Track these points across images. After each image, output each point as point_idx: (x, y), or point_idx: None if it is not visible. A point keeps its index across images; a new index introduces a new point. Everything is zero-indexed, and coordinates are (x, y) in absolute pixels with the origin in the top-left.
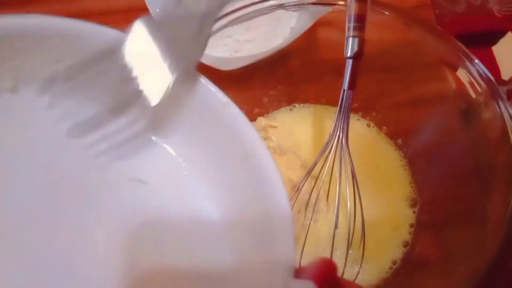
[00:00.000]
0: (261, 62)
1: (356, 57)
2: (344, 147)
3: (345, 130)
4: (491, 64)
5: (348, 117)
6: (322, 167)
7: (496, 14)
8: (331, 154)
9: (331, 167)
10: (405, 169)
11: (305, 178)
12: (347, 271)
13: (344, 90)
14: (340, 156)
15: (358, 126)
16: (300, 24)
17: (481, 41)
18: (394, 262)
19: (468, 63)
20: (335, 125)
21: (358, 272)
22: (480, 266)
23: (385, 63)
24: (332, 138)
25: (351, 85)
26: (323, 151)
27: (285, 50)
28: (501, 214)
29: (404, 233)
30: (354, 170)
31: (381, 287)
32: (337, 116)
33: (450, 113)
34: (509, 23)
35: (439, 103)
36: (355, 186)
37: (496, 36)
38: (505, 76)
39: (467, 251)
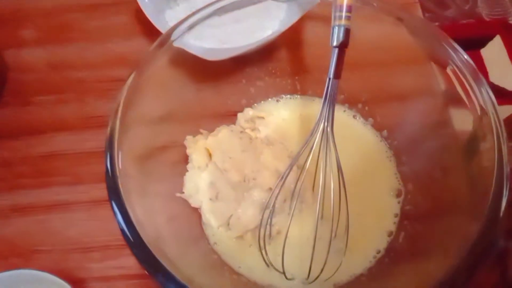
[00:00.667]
0: (249, 53)
1: (342, 46)
2: (330, 136)
3: (330, 119)
4: (480, 66)
5: (333, 106)
6: (307, 157)
7: (485, 18)
8: (315, 143)
9: (316, 157)
10: (390, 160)
11: (290, 167)
12: (330, 261)
13: (329, 79)
14: (326, 145)
15: (344, 117)
16: (289, 16)
17: (470, 44)
18: (378, 251)
19: (457, 60)
20: (321, 114)
21: (341, 262)
22: (461, 256)
23: (373, 57)
24: (317, 127)
25: (337, 74)
26: (309, 140)
27: (273, 42)
28: (483, 207)
29: (389, 223)
30: (339, 160)
31: (364, 275)
32: (323, 105)
33: (436, 108)
34: (497, 27)
35: (426, 98)
36: (340, 176)
37: (484, 39)
38: (493, 78)
39: (449, 241)
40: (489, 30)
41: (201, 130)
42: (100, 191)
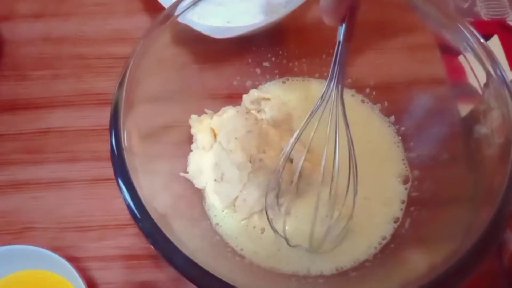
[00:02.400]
0: (256, 34)
1: (353, 5)
2: (339, 104)
3: (340, 84)
4: None
5: (343, 73)
6: (313, 131)
7: (483, 17)
8: (323, 114)
9: (323, 132)
10: (398, 146)
11: (295, 139)
12: (333, 237)
13: (339, 42)
14: (335, 115)
15: (352, 101)
16: None
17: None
18: (383, 238)
19: (474, 47)
20: (329, 80)
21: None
22: (466, 245)
23: (382, 42)
24: (325, 94)
25: (347, 36)
26: (315, 110)
27: (280, 24)
28: (490, 198)
29: (395, 209)
30: (349, 132)
31: (369, 261)
32: (331, 69)
33: (444, 95)
34: (495, 27)
35: (434, 86)
36: (351, 154)
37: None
38: None
39: (455, 229)
40: (487, 29)
41: (206, 110)
42: (98, 169)
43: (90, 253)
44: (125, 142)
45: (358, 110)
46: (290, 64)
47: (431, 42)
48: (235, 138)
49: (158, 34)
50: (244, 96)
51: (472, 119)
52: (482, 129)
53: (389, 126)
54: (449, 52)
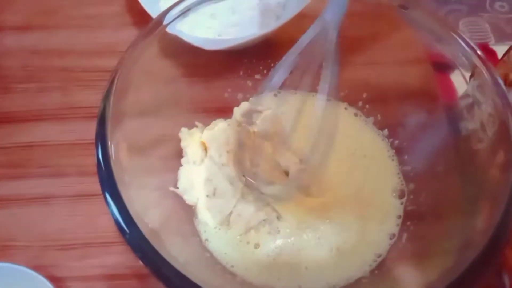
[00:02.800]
0: (247, 46)
1: None
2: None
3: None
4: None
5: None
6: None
7: None
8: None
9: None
10: (392, 160)
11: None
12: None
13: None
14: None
15: (346, 115)
16: (287, 11)
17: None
18: (378, 255)
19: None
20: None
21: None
22: (465, 260)
23: (374, 55)
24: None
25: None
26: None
27: (271, 37)
28: (490, 210)
29: (392, 225)
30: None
31: (366, 277)
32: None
33: (436, 109)
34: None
35: (426, 100)
36: None
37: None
38: None
39: (453, 244)
40: None
41: (197, 123)
42: (83, 185)
43: (73, 273)
44: (112, 154)
45: (351, 124)
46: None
47: (424, 57)
48: (227, 151)
49: (146, 44)
50: (235, 109)
51: (456, 116)
52: (469, 125)
53: (383, 140)
54: (442, 69)
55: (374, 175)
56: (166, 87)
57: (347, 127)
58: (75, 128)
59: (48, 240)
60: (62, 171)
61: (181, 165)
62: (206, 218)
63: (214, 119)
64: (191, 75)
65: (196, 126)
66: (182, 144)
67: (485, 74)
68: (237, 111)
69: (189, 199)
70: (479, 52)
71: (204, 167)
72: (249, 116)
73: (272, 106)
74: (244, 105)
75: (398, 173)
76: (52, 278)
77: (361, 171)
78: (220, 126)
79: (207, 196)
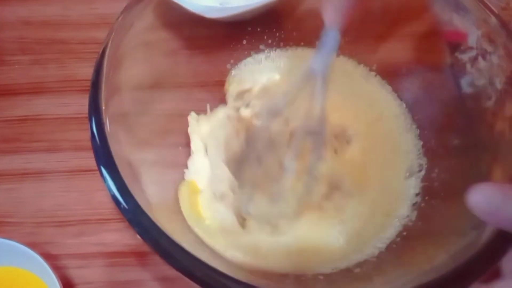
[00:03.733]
0: (251, 16)
1: None
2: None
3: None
4: None
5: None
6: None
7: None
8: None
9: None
10: (408, 131)
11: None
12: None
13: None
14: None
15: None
16: None
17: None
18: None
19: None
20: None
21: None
22: (478, 240)
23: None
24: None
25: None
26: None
27: (277, 5)
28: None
29: (403, 206)
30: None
31: (375, 257)
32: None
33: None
34: None
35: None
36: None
37: None
38: None
39: (465, 223)
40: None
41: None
42: (79, 160)
43: (69, 250)
44: (107, 127)
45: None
46: (287, 48)
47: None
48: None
49: (140, 10)
50: (227, 96)
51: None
52: (476, 81)
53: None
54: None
55: (391, 146)
56: (164, 59)
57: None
58: (71, 101)
59: (43, 216)
60: (57, 146)
61: (180, 146)
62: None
63: (213, 96)
64: (191, 47)
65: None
66: (189, 129)
67: (494, 21)
68: (229, 98)
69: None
70: None
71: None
72: (240, 98)
73: (258, 78)
74: (233, 89)
75: (415, 145)
76: (47, 256)
77: (378, 141)
78: (220, 117)
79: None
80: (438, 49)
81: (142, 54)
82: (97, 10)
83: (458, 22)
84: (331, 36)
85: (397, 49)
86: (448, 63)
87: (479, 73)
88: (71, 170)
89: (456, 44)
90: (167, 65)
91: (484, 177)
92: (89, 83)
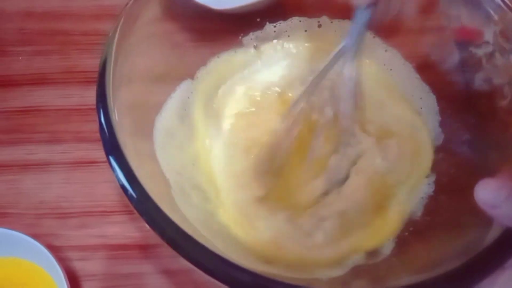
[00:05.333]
0: (259, 7)
1: None
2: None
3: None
4: None
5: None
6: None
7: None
8: None
9: None
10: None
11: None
12: None
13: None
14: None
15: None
16: None
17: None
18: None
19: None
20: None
21: None
22: (490, 235)
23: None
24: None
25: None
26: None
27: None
28: None
29: (415, 202)
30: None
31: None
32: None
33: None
34: None
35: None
36: None
37: None
38: None
39: (473, 220)
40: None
41: None
42: (81, 151)
43: (71, 242)
44: (116, 117)
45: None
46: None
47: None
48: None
49: (146, 2)
50: None
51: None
52: (496, 79)
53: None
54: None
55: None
56: (171, 51)
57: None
58: (73, 93)
59: (45, 208)
60: (59, 137)
61: None
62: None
63: None
64: (197, 39)
65: None
66: None
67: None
68: None
69: None
70: None
71: None
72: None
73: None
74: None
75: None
76: (49, 247)
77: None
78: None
79: None
80: (445, 45)
81: (148, 46)
82: (99, 1)
83: (467, 18)
84: (361, 14)
85: (403, 44)
86: (457, 59)
87: (496, 70)
88: (73, 162)
89: (465, 42)
90: (174, 57)
91: (492, 174)
92: (92, 75)
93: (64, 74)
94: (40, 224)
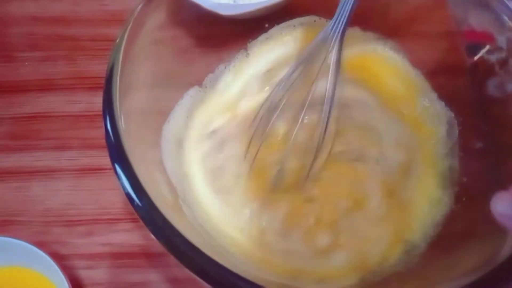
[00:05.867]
0: (266, 13)
1: None
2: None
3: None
4: None
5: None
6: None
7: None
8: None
9: None
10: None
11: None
12: None
13: None
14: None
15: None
16: None
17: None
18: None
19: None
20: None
21: None
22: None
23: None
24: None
25: None
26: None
27: (293, 2)
28: None
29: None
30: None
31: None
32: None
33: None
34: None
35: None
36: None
37: None
38: None
39: (489, 229)
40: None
41: None
42: (89, 158)
43: (77, 250)
44: (122, 124)
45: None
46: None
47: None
48: None
49: (153, 8)
50: None
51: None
52: (509, 86)
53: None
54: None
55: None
56: (176, 58)
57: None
58: (81, 99)
59: (52, 215)
60: (67, 143)
61: None
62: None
63: None
64: (204, 45)
65: None
66: None
67: None
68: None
69: None
70: None
71: None
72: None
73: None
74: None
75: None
76: (56, 255)
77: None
78: None
79: None
80: (455, 50)
81: (156, 52)
82: (107, 6)
83: (476, 20)
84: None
85: (412, 50)
86: (467, 64)
87: (509, 77)
88: (80, 169)
89: (476, 45)
90: (181, 63)
91: (505, 182)
92: (99, 81)
93: (72, 80)
94: (47, 232)
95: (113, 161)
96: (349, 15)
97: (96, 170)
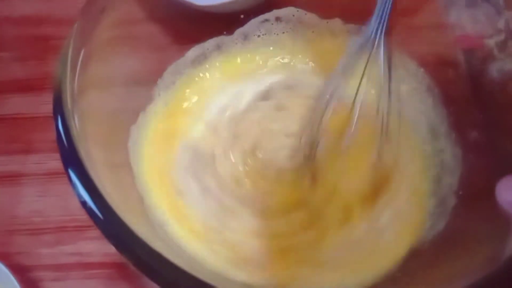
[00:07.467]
0: (246, 5)
1: None
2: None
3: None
4: None
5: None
6: None
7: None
8: None
9: None
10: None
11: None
12: None
13: None
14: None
15: None
16: None
17: None
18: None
19: None
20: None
21: None
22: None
23: None
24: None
25: None
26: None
27: None
28: None
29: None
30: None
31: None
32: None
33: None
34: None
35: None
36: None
37: None
38: None
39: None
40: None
41: None
42: (57, 162)
43: (44, 261)
44: (76, 125)
45: None
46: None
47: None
48: None
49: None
50: None
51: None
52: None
53: None
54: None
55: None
56: (149, 56)
57: None
58: (51, 99)
59: (16, 224)
60: (35, 147)
61: None
62: None
63: None
64: (183, 42)
65: None
66: None
67: None
68: None
69: None
70: None
71: None
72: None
73: None
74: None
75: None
76: (19, 267)
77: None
78: None
79: None
80: (447, 43)
81: (121, 49)
82: (81, 5)
83: (469, 22)
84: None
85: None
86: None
87: (510, 59)
88: (48, 173)
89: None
90: (154, 61)
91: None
92: None
93: (42, 81)
94: (10, 242)
95: (65, 165)
96: (389, 14)
97: (64, 174)
